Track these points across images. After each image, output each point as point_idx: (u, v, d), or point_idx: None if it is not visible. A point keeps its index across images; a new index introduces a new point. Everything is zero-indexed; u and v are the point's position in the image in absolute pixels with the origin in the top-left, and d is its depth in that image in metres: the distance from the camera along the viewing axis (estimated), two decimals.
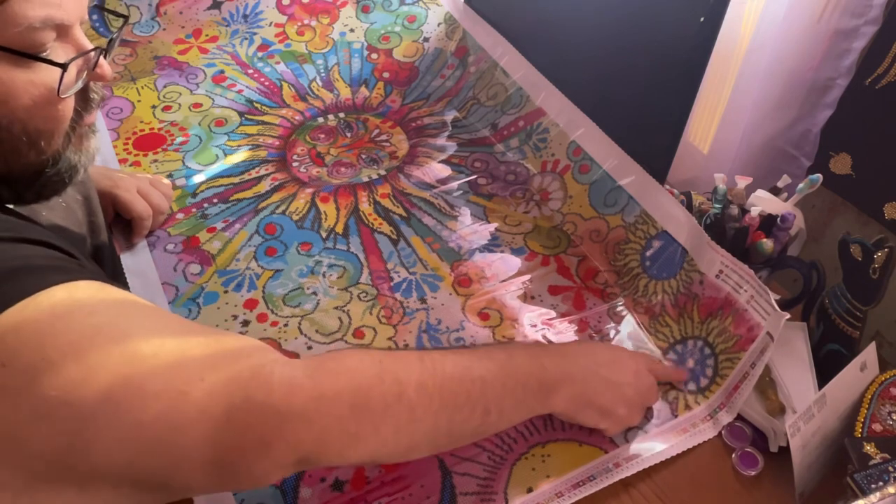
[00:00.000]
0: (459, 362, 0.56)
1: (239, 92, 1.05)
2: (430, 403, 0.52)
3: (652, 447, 0.66)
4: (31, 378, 0.41)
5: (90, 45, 0.54)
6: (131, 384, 0.43)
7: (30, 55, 0.49)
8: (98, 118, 0.97)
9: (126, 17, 0.57)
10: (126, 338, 0.44)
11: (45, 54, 0.50)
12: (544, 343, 0.67)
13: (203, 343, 0.48)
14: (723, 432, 0.67)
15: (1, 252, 0.45)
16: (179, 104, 1.02)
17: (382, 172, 0.94)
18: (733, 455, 0.66)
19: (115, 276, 0.76)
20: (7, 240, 0.46)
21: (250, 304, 0.76)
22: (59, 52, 0.51)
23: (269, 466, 0.47)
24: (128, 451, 0.43)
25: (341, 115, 1.04)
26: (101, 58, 0.55)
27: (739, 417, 0.68)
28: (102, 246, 0.68)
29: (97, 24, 1.13)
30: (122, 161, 0.93)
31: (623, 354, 0.67)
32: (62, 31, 0.51)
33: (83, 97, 0.55)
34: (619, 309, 0.79)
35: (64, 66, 0.51)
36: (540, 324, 0.77)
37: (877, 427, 0.63)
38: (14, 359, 0.41)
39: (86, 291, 0.45)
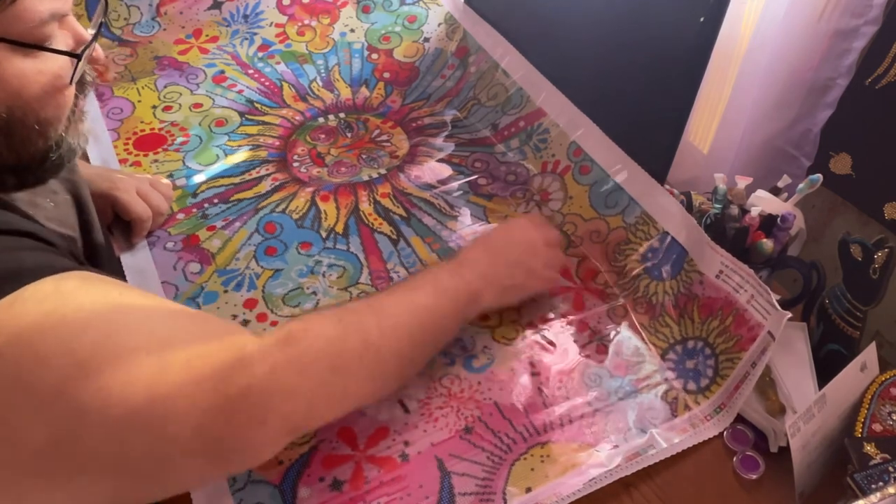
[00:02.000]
0: (403, 299, 0.63)
1: (239, 92, 1.05)
2: (392, 343, 0.59)
3: (652, 447, 0.66)
4: (22, 373, 0.41)
5: (84, 31, 0.55)
6: (119, 377, 0.44)
7: (48, 49, 0.51)
8: (98, 118, 0.98)
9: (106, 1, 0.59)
10: (113, 333, 0.45)
11: (49, 44, 0.52)
12: (450, 260, 0.71)
13: (185, 332, 0.49)
14: (724, 435, 0.67)
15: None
16: (180, 104, 1.02)
17: (383, 171, 0.94)
18: (734, 458, 0.66)
19: (113, 275, 0.76)
20: (8, 232, 0.47)
21: (250, 304, 0.76)
22: (59, 41, 0.53)
23: (263, 442, 0.50)
24: (117, 443, 0.44)
25: (342, 115, 1.04)
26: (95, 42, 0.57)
27: (742, 421, 0.68)
28: (98, 245, 0.68)
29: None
30: (123, 161, 0.93)
31: (513, 232, 0.75)
32: (61, 20, 0.53)
33: (80, 82, 0.57)
34: (619, 310, 0.79)
35: (79, 56, 0.53)
36: (540, 324, 0.77)
37: (877, 427, 0.63)
38: (2, 355, 0.41)
39: (72, 283, 0.46)
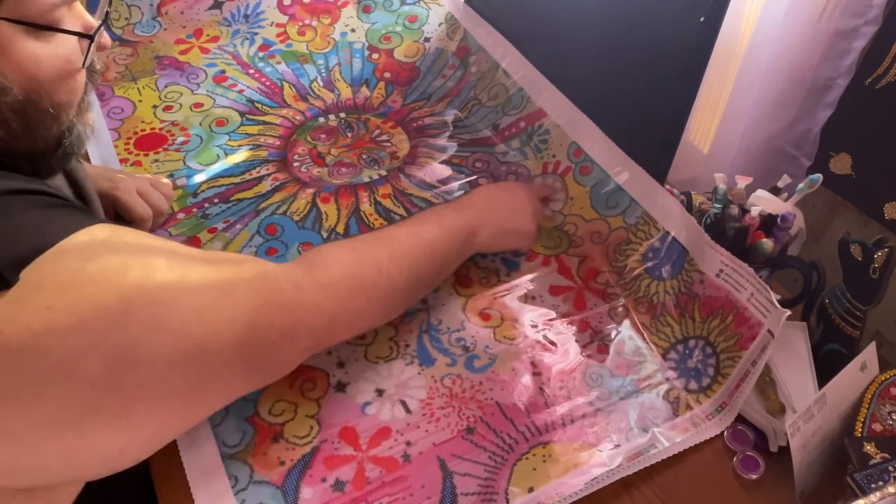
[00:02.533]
0: (410, 231, 0.70)
1: (240, 92, 1.05)
2: (401, 270, 0.66)
3: (654, 446, 0.66)
4: (77, 316, 0.44)
5: (91, 18, 0.57)
6: (167, 305, 0.48)
7: (62, 30, 0.53)
8: (99, 118, 0.98)
9: None
10: (150, 269, 0.49)
11: (59, 26, 0.53)
12: (454, 201, 0.81)
13: (217, 263, 0.55)
14: (725, 435, 0.68)
15: (26, 202, 0.48)
16: (180, 104, 1.02)
17: (383, 172, 0.95)
18: (735, 458, 0.66)
19: None
20: (27, 192, 0.49)
21: None
22: (70, 26, 0.54)
23: (292, 355, 0.59)
24: (168, 368, 0.48)
25: (342, 115, 1.04)
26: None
27: (742, 421, 0.68)
28: None
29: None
30: (124, 161, 0.93)
31: (512, 186, 0.85)
32: (70, 6, 0.54)
33: (89, 69, 0.58)
34: (620, 309, 0.79)
35: (91, 38, 0.55)
36: (541, 324, 0.77)
37: (877, 427, 0.63)
38: (58, 301, 0.44)
39: (105, 232, 0.49)
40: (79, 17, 0.56)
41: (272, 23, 1.16)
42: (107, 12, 0.58)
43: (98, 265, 0.46)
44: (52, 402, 0.44)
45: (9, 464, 0.45)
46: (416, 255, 0.68)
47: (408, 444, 0.66)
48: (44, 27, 0.51)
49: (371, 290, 0.63)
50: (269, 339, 0.55)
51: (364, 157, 0.97)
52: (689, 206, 0.80)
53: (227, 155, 0.95)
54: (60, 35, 0.53)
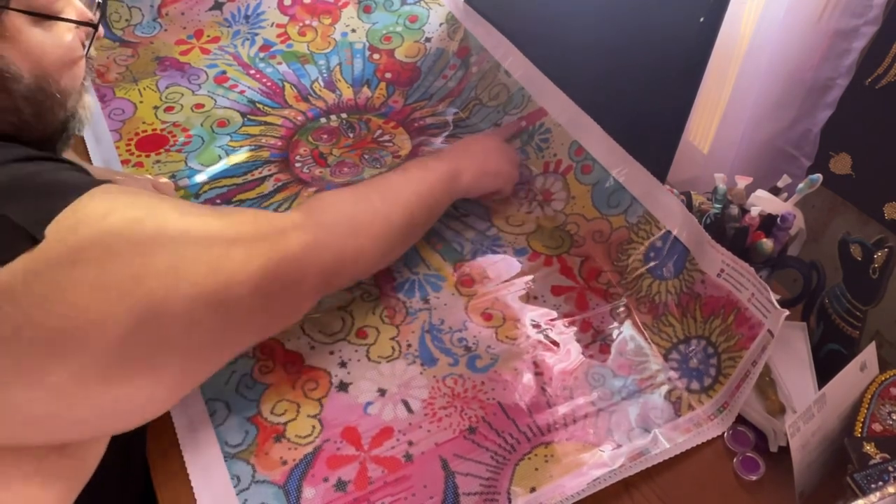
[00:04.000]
0: (399, 177, 0.75)
1: (241, 93, 1.05)
2: (396, 210, 0.71)
3: (656, 446, 0.66)
4: (104, 270, 0.46)
5: (87, 10, 0.59)
6: (180, 256, 0.50)
7: (67, 19, 0.56)
8: (100, 119, 0.98)
9: None
10: (162, 223, 0.50)
11: (62, 15, 0.56)
12: (437, 151, 0.88)
13: (224, 215, 0.57)
14: (725, 436, 0.68)
15: (43, 166, 0.50)
16: (181, 105, 1.02)
17: (385, 172, 0.95)
18: (735, 459, 0.66)
19: None
20: (40, 159, 0.50)
21: None
22: (70, 16, 0.57)
23: (305, 294, 0.62)
24: (191, 315, 0.50)
25: (343, 115, 1.04)
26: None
27: (743, 422, 0.69)
28: None
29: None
30: (125, 162, 0.93)
31: (482, 135, 0.94)
32: None
33: (88, 57, 0.61)
34: (622, 309, 0.79)
35: (95, 26, 0.59)
36: (543, 324, 0.77)
37: (877, 427, 0.64)
38: (80, 256, 0.46)
39: (116, 191, 0.50)
40: (76, 8, 0.58)
41: (273, 23, 1.16)
42: (102, 2, 0.61)
43: (114, 219, 0.47)
44: (82, 356, 0.46)
45: (46, 417, 0.47)
46: (408, 197, 0.73)
47: (410, 443, 0.66)
48: (51, 17, 0.54)
49: (368, 229, 0.67)
50: (282, 281, 0.58)
51: (366, 157, 0.97)
52: (689, 207, 0.80)
53: (228, 155, 0.95)
54: (62, 25, 0.55)
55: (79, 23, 0.57)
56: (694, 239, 0.75)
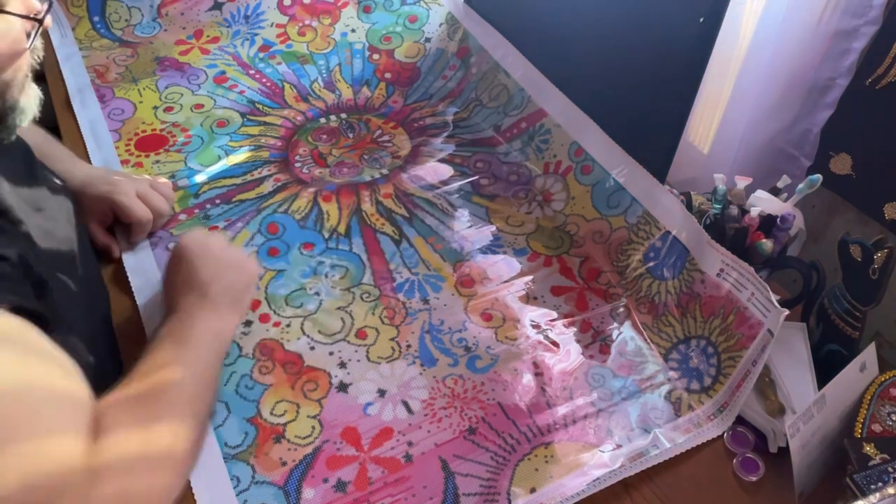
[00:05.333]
0: (176, 370, 0.59)
1: (240, 93, 1.05)
2: (189, 429, 0.56)
3: (656, 447, 0.66)
4: None
5: (35, 2, 0.60)
6: None
7: (11, 13, 0.56)
8: (100, 119, 0.98)
9: None
10: None
11: (6, 9, 0.56)
12: (175, 320, 0.65)
13: (24, 430, 0.47)
14: (725, 437, 0.68)
15: None
16: (181, 105, 1.02)
17: (385, 172, 0.95)
18: (735, 460, 0.66)
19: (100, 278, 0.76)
20: None
21: (253, 305, 0.77)
22: (15, 9, 0.58)
23: None
24: None
25: (343, 115, 1.04)
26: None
27: (742, 422, 0.69)
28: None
29: (99, 26, 1.14)
30: (125, 162, 0.93)
31: (211, 255, 0.70)
32: None
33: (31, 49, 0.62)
34: (622, 310, 0.79)
35: (41, 21, 0.59)
36: (542, 324, 0.77)
37: (876, 427, 0.63)
38: None
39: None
40: (23, 1, 0.59)
41: (272, 23, 1.16)
42: None
43: None
44: None
45: None
46: (186, 398, 0.58)
47: (410, 444, 0.66)
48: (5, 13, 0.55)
49: (168, 462, 0.54)
50: None
51: (365, 157, 0.97)
52: (689, 207, 0.80)
53: (228, 156, 0.95)
54: (7, 18, 0.56)
55: (24, 17, 0.58)
56: (693, 239, 0.75)
